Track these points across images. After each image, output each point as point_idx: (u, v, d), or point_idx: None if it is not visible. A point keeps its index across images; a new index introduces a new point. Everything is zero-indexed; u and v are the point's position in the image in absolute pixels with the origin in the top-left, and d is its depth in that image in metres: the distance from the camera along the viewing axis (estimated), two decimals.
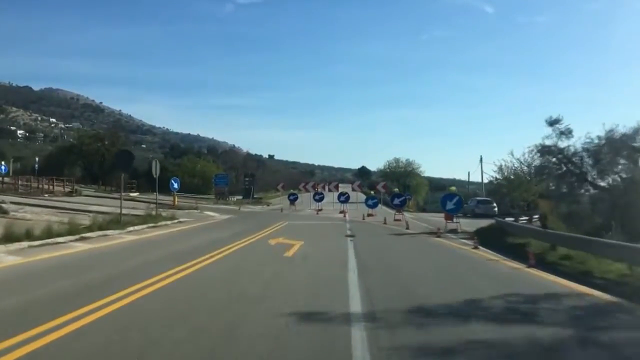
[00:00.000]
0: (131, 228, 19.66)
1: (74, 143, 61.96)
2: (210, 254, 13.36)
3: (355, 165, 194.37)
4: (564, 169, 23.18)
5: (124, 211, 23.12)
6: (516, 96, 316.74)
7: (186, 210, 34.49)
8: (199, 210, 35.70)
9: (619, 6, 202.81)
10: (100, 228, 17.77)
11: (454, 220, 25.07)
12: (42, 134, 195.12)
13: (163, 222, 23.55)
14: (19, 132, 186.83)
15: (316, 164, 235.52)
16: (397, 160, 79.30)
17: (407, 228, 25.27)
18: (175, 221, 24.98)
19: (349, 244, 17.57)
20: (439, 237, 20.95)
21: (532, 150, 26.12)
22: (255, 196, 58.06)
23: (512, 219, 26.80)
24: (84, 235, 15.80)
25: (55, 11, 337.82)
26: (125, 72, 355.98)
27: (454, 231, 23.51)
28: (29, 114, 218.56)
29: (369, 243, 18.50)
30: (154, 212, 26.30)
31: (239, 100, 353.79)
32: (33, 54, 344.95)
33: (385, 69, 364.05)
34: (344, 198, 39.56)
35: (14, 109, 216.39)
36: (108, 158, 60.58)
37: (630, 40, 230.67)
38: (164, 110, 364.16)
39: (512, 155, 43.13)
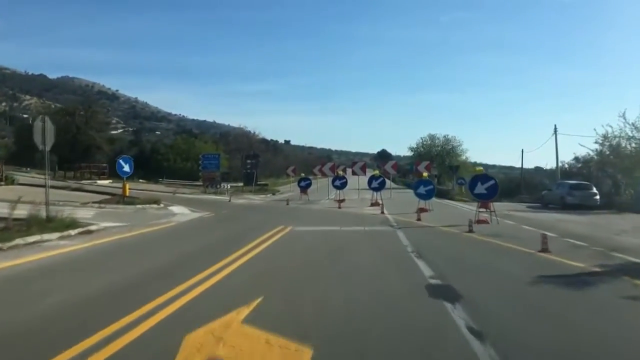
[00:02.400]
0: None
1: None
2: None
3: (374, 149, 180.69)
4: None
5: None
6: (547, 79, 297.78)
7: (138, 206, 21.74)
8: (159, 206, 22.90)
9: None
10: None
11: (491, 209, 16.66)
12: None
13: (27, 239, 10.73)
14: (31, 119, 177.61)
15: (333, 148, 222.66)
16: (432, 137, 64.43)
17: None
18: (68, 233, 12.29)
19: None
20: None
21: None
22: (259, 182, 45.20)
23: None
24: None
25: (72, 1, 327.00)
26: (142, 60, 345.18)
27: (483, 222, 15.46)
28: (42, 101, 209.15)
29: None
30: (44, 213, 13.67)
31: (256, 86, 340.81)
32: (50, 43, 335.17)
33: (404, 52, 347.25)
34: (377, 183, 26.43)
35: (28, 97, 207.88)
36: (82, 138, 48.28)
37: None
38: (181, 98, 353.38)
39: (624, 119, 29.55)
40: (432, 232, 14.75)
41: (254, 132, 71.79)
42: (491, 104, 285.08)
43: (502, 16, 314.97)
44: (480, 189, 16.29)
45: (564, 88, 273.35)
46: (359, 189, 34.85)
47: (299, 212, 23.11)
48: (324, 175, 36.44)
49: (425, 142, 62.98)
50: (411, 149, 63.78)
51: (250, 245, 11.09)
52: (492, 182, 16.56)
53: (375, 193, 26.93)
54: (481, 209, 16.43)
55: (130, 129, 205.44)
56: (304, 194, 32.87)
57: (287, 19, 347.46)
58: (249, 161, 44.32)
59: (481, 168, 19.20)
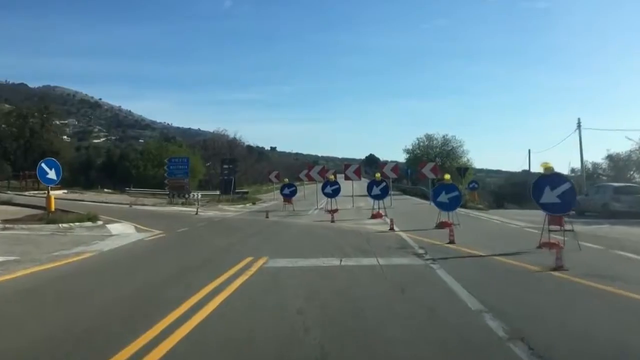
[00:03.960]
0: None
1: None
2: None
3: (361, 155, 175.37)
4: None
5: None
6: (535, 85, 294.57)
7: (62, 225, 15.82)
8: (94, 224, 16.98)
9: None
10: None
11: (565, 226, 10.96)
12: (67, 137, 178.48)
13: None
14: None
15: (320, 154, 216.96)
16: (429, 138, 57.45)
17: None
18: None
19: None
20: None
21: None
22: (238, 190, 39.30)
23: None
24: None
25: (56, 11, 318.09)
26: (126, 69, 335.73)
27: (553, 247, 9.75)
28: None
29: None
30: None
31: (241, 94, 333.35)
32: (32, 53, 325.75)
33: (386, 59, 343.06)
34: (379, 190, 20.64)
35: (7, 106, 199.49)
36: (37, 142, 41.85)
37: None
38: (165, 106, 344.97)
39: None
40: (494, 270, 8.96)
41: (235, 137, 65.47)
42: (482, 109, 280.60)
43: (479, 23, 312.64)
44: (550, 196, 10.62)
45: (557, 93, 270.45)
46: (353, 196, 29.15)
47: (281, 228, 17.32)
48: (312, 180, 30.67)
49: (422, 143, 57.02)
50: (406, 150, 57.66)
51: (172, 317, 5.32)
52: (566, 185, 10.89)
53: (376, 202, 21.23)
54: (552, 227, 10.77)
55: (113, 138, 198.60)
56: (288, 203, 27.12)
57: (271, 28, 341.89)
58: (226, 166, 38.42)
59: (550, 165, 13.34)
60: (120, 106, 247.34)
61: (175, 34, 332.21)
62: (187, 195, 30.09)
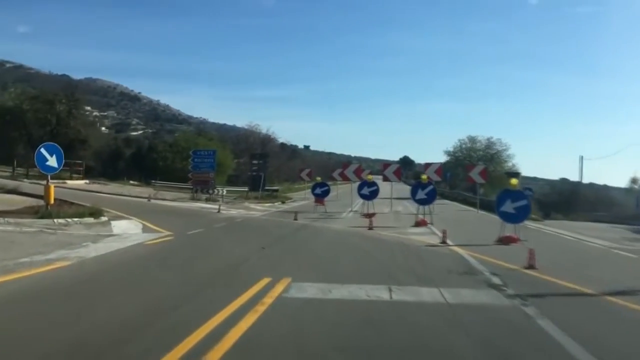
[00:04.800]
0: None
1: (9, 107, 41.11)
2: None
3: (395, 156, 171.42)
4: None
5: None
6: (564, 90, 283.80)
7: (59, 220, 13.53)
8: (96, 220, 14.68)
9: None
10: None
11: None
12: (102, 127, 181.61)
13: None
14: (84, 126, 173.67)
15: (352, 155, 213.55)
16: (472, 140, 53.12)
17: None
18: None
19: None
20: None
21: None
22: (268, 187, 36.86)
23: None
24: None
25: (101, 4, 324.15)
26: (165, 64, 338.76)
27: None
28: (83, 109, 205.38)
29: None
30: None
31: (276, 92, 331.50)
32: (74, 45, 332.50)
33: (423, 60, 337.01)
34: (425, 194, 17.66)
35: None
36: (63, 131, 40.26)
37: None
38: (202, 102, 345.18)
39: None
40: (624, 323, 6.07)
41: (268, 133, 63.07)
42: (519, 114, 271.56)
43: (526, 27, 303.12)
44: (508, 207, 9.11)
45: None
46: (391, 199, 26.27)
47: (310, 234, 14.66)
48: (346, 180, 27.82)
49: (464, 145, 53.43)
50: (447, 152, 54.04)
51: None
52: (523, 202, 9.59)
53: (420, 207, 18.33)
54: None
55: (150, 131, 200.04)
56: (320, 204, 24.45)
57: (310, 27, 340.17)
58: (256, 162, 35.98)
59: (516, 182, 11.32)
60: (158, 100, 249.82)
61: (215, 30, 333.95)
62: (211, 191, 27.73)
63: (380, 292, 6.81)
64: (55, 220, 13.48)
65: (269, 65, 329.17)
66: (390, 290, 6.97)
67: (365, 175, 23.40)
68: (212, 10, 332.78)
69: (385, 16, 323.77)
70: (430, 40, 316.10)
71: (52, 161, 14.70)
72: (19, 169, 34.86)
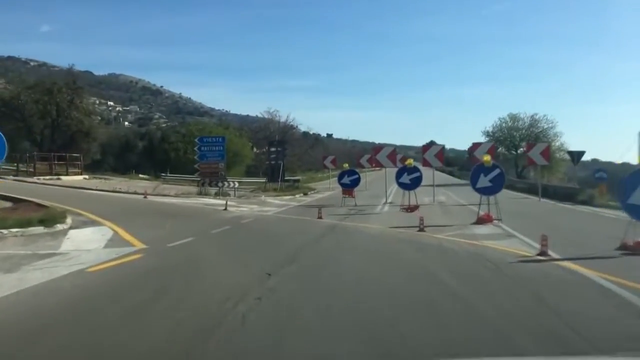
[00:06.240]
0: None
1: (5, 97, 37.30)
2: None
3: (419, 142, 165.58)
4: None
5: None
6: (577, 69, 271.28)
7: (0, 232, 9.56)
8: (47, 229, 10.66)
9: None
10: None
11: None
12: (99, 117, 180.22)
13: None
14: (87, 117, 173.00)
15: (376, 141, 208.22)
16: (514, 118, 47.05)
17: None
18: None
19: None
20: None
21: None
22: (287, 178, 32.69)
23: None
24: None
25: (121, 1, 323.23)
26: (187, 57, 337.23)
27: None
28: (87, 97, 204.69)
29: None
30: None
31: (297, 82, 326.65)
32: (96, 41, 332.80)
33: (445, 46, 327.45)
34: (490, 181, 13.10)
35: (85, 97, 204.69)
36: (65, 122, 36.72)
37: None
38: (224, 94, 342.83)
39: None
40: None
41: (289, 120, 58.80)
42: (526, 96, 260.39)
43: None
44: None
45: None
46: (434, 186, 21.84)
47: (339, 244, 10.30)
48: (379, 166, 23.28)
49: (504, 124, 48.01)
50: (485, 133, 48.51)
51: None
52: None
53: (487, 195, 13.80)
54: None
55: (172, 124, 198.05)
56: (349, 196, 20.17)
57: (330, 16, 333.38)
58: (274, 149, 31.76)
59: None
60: (180, 93, 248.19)
61: (234, 21, 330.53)
62: (220, 184, 23.56)
63: None
64: None
65: (290, 55, 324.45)
66: None
67: (403, 160, 18.82)
68: (232, 2, 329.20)
69: (406, 2, 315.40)
70: (452, 25, 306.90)
71: None
72: (21, 165, 31.38)
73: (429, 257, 8.49)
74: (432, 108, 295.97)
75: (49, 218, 11.18)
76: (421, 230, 11.74)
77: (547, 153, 21.63)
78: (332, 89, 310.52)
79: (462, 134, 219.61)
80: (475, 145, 21.44)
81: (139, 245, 9.53)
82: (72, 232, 10.75)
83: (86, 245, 9.52)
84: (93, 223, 12.29)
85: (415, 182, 17.19)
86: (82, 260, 8.03)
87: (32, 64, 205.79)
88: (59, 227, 10.99)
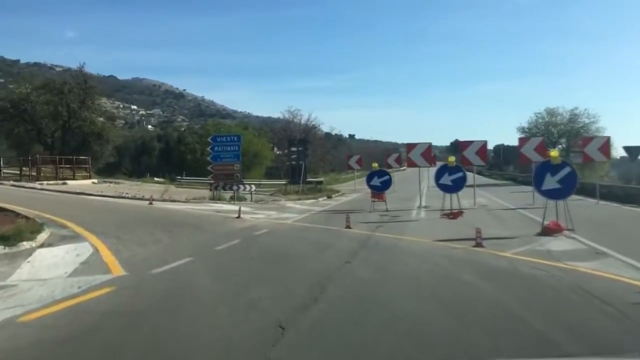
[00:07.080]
0: None
1: (14, 99, 34.12)
2: None
3: (443, 142, 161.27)
4: None
5: None
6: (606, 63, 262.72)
7: None
8: (10, 249, 8.46)
9: None
10: None
11: None
12: (122, 121, 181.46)
13: None
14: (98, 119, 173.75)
15: (399, 141, 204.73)
16: (551, 113, 44.06)
17: None
18: None
19: None
20: None
21: None
22: (310, 179, 30.32)
23: None
24: None
25: (143, 6, 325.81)
26: (209, 60, 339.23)
27: None
28: (111, 102, 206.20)
29: None
30: None
31: (319, 82, 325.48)
32: (120, 46, 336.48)
33: (466, 43, 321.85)
34: (559, 182, 10.36)
35: (97, 97, 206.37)
36: (77, 124, 35.05)
37: None
38: (246, 96, 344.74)
39: None
40: None
41: (309, 119, 56.46)
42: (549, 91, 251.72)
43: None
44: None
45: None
46: (474, 187, 19.25)
47: (377, 271, 7.74)
48: (412, 165, 20.66)
49: (541, 119, 44.73)
50: (520, 129, 45.44)
51: None
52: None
53: (550, 203, 11.16)
54: None
55: (195, 127, 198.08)
56: (379, 200, 17.73)
57: (353, 15, 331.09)
58: (294, 149, 29.42)
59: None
60: (203, 96, 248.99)
61: (256, 23, 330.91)
62: (235, 187, 21.26)
63: None
64: None
65: (311, 56, 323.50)
66: None
67: (446, 159, 16.10)
68: (252, 5, 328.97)
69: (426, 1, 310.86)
70: (473, 23, 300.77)
71: None
72: (25, 169, 29.69)
73: (512, 293, 5.94)
74: (454, 106, 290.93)
75: (15, 233, 8.98)
76: (478, 245, 9.22)
77: (607, 148, 18.76)
78: (354, 89, 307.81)
79: (488, 131, 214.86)
80: (523, 141, 18.69)
81: (117, 271, 7.29)
82: (39, 252, 8.53)
83: (47, 272, 7.27)
84: (74, 238, 10.08)
85: (458, 184, 14.62)
86: (26, 299, 5.79)
87: (57, 69, 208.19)
88: (25, 245, 8.78)
